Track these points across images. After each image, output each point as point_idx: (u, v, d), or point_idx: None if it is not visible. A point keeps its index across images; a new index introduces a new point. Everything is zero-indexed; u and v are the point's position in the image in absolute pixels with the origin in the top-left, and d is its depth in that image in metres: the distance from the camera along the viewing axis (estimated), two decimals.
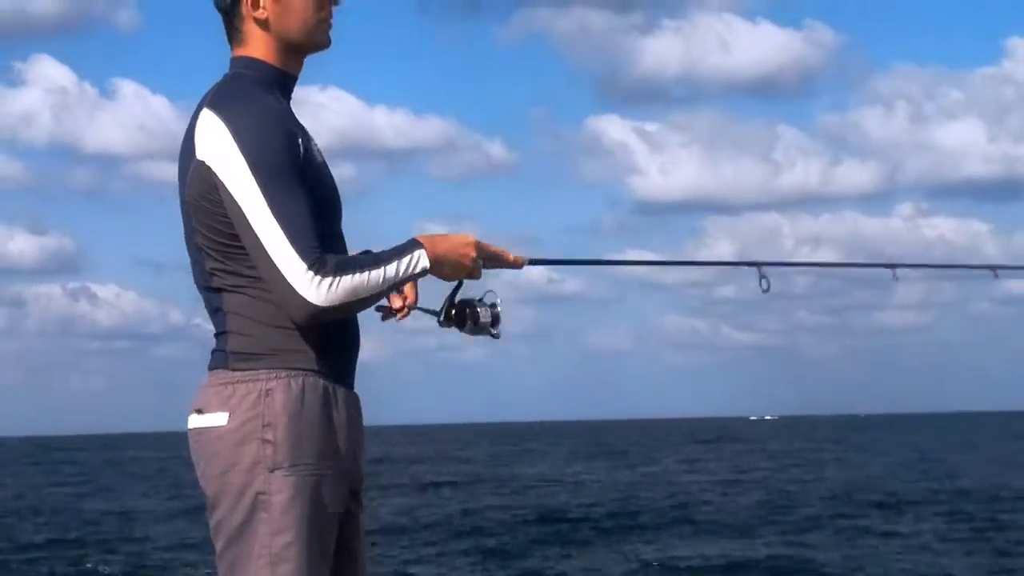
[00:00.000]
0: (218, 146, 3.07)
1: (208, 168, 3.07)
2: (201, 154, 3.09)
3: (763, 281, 3.72)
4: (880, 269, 4.23)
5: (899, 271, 4.15)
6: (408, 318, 3.36)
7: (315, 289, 3.00)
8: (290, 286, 3.01)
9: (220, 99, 3.14)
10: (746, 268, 3.78)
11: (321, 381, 3.16)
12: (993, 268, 4.44)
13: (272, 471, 3.08)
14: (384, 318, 3.36)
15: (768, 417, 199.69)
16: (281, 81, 3.24)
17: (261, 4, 3.22)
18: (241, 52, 3.25)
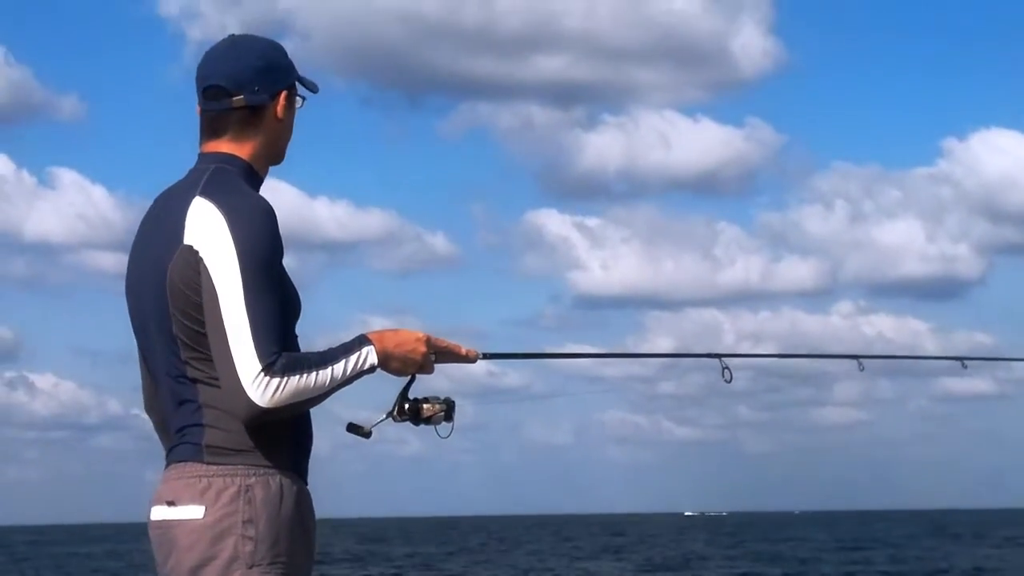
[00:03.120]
0: (210, 233, 3.06)
1: (195, 252, 3.07)
2: (190, 239, 3.08)
3: (725, 372, 3.82)
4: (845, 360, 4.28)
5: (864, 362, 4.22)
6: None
7: (261, 391, 2.99)
8: (239, 384, 3.00)
9: (215, 189, 3.14)
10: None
11: (296, 480, 3.18)
12: (961, 359, 4.50)
13: (250, 567, 3.07)
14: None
15: (709, 513, 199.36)
16: (255, 183, 3.27)
17: (286, 106, 3.29)
18: (225, 148, 3.25)
